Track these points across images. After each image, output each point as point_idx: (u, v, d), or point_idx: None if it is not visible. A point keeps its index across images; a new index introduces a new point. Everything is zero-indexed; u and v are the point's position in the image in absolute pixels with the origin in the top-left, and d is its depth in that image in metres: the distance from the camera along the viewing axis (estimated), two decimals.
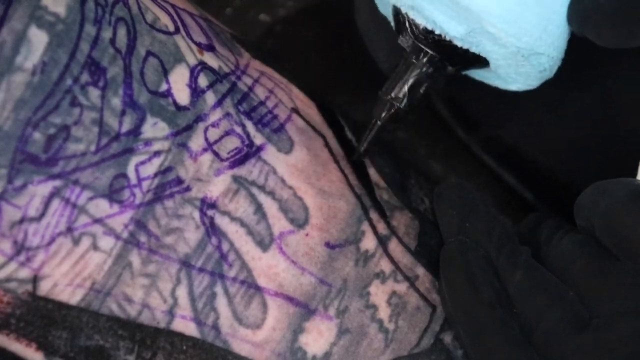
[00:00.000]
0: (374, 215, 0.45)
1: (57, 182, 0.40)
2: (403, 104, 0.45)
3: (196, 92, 0.43)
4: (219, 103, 0.43)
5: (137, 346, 0.42)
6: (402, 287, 0.45)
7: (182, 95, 0.42)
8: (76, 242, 0.40)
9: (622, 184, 0.41)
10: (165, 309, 0.42)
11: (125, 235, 0.41)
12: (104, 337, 0.42)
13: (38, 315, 0.41)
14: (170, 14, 0.43)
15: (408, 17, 0.43)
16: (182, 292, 0.42)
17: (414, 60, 0.45)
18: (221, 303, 0.42)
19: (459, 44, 0.43)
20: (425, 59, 0.44)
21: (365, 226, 0.45)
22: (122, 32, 0.41)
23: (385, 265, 0.45)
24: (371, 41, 0.47)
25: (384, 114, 0.45)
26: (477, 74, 0.46)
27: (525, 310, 0.41)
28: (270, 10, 0.60)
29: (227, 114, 0.43)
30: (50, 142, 0.39)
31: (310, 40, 0.60)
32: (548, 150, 0.53)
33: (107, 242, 0.41)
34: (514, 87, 0.45)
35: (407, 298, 0.44)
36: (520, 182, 0.55)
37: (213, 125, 0.43)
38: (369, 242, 0.45)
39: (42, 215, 0.40)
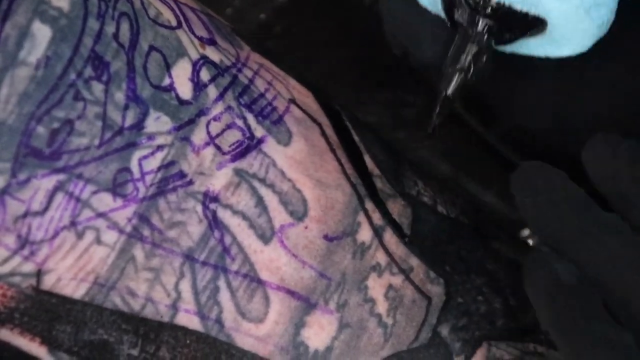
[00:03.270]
0: (369, 205, 0.46)
1: (61, 176, 0.40)
2: (470, 74, 0.45)
3: (198, 86, 0.43)
4: (221, 96, 0.44)
5: (141, 340, 0.43)
6: (397, 280, 0.45)
7: (185, 90, 0.43)
8: (80, 236, 0.41)
9: None
10: (169, 303, 0.42)
11: (128, 229, 0.42)
12: (108, 331, 0.42)
13: (42, 310, 0.42)
14: (172, 9, 0.44)
15: None
16: (185, 286, 0.43)
17: (471, 32, 0.45)
18: (224, 297, 0.43)
19: (518, 7, 0.43)
20: (483, 29, 0.44)
21: (361, 217, 0.45)
22: (125, 26, 0.42)
23: (381, 258, 0.45)
24: (410, 34, 0.46)
25: (452, 85, 0.46)
26: (527, 46, 0.47)
27: (618, 286, 0.40)
28: (270, 10, 0.61)
29: (229, 107, 0.44)
30: (54, 136, 0.40)
31: (311, 40, 0.61)
32: (568, 132, 0.52)
33: (110, 236, 0.41)
34: (566, 50, 0.45)
35: (403, 291, 0.45)
36: None
37: (215, 119, 0.44)
38: (365, 234, 0.45)
39: (46, 209, 0.40)
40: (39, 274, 0.41)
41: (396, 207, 0.47)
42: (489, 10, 0.44)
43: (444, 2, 0.45)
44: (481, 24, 0.44)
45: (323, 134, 0.47)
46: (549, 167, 0.44)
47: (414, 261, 0.46)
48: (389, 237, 0.46)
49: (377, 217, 0.46)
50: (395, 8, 0.47)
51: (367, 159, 0.48)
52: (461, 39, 0.45)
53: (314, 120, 0.47)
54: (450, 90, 0.46)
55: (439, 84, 0.46)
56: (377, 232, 0.46)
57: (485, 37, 0.44)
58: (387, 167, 0.48)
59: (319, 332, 0.44)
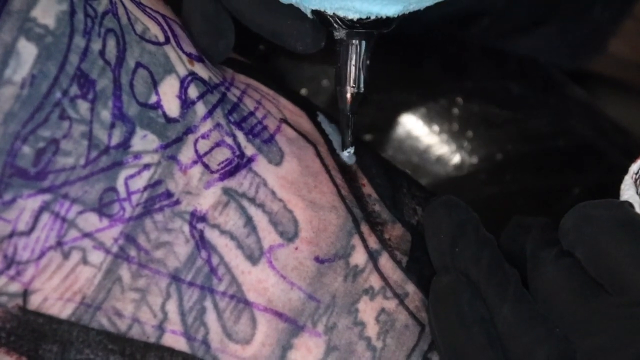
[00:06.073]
0: (364, 228, 0.46)
1: (47, 196, 0.41)
2: (361, 87, 0.47)
3: (186, 103, 0.43)
4: (210, 114, 0.44)
5: None
6: (391, 304, 0.45)
7: (172, 107, 0.43)
8: (66, 256, 0.41)
9: (607, 209, 0.41)
10: (155, 324, 0.43)
11: (114, 249, 0.42)
12: (94, 352, 0.43)
13: (28, 329, 0.42)
14: (160, 24, 0.44)
15: (337, 15, 0.45)
16: (171, 307, 0.43)
17: (352, 43, 0.47)
18: (211, 318, 0.43)
19: (397, 16, 0.45)
20: (362, 39, 0.46)
21: (356, 240, 0.45)
22: (111, 43, 0.42)
23: (375, 281, 0.45)
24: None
25: (349, 105, 0.47)
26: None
27: (513, 348, 0.42)
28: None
29: (218, 125, 0.44)
30: (40, 155, 0.40)
31: None
32: None
33: (97, 256, 0.42)
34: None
35: (395, 315, 0.45)
36: None
37: (203, 136, 0.44)
38: (359, 257, 0.45)
39: (32, 229, 0.41)
40: (25, 294, 0.42)
41: (395, 232, 0.47)
42: (366, 24, 0.45)
43: (319, 20, 0.46)
44: (359, 34, 0.46)
45: (318, 154, 0.47)
46: (456, 206, 0.45)
47: (411, 287, 0.46)
48: (385, 261, 0.46)
49: (373, 241, 0.46)
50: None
51: (365, 182, 0.47)
52: (344, 51, 0.47)
53: (308, 141, 0.47)
54: (348, 109, 0.47)
55: (340, 105, 0.47)
56: (372, 256, 0.46)
57: (366, 43, 0.46)
58: (385, 191, 0.48)
59: (306, 354, 0.44)
